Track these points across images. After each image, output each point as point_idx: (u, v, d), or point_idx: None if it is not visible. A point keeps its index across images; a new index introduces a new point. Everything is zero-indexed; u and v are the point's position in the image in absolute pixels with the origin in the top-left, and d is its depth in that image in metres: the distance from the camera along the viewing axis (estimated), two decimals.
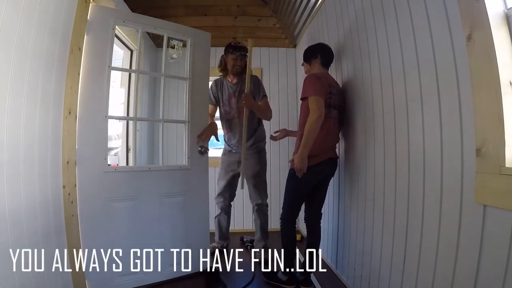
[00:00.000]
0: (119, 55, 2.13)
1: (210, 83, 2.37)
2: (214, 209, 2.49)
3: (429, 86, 1.17)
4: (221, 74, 2.39)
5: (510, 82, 0.87)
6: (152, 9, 3.11)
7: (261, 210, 2.46)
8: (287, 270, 1.87)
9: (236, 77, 2.36)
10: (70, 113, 1.58)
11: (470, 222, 0.97)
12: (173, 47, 2.16)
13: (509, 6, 0.90)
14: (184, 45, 2.14)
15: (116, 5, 2.20)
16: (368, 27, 1.65)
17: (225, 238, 2.54)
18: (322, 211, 1.97)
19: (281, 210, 1.90)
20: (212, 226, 2.43)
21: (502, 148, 0.86)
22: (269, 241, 2.47)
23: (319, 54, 1.91)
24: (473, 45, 0.94)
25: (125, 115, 2.50)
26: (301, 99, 1.80)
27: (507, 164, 0.85)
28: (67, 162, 1.56)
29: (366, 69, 1.68)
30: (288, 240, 1.88)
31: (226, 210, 2.49)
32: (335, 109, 1.81)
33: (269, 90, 3.25)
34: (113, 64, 1.88)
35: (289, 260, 1.87)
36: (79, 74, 1.64)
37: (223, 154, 2.50)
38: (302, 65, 2.05)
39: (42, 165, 1.39)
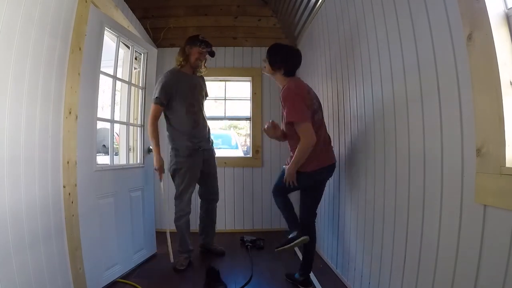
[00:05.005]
0: (111, 53, 2.15)
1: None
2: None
3: (429, 86, 1.17)
4: (181, 63, 2.23)
5: (510, 82, 0.87)
6: (152, 9, 3.12)
7: (215, 206, 2.50)
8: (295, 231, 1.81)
9: (192, 70, 2.28)
10: (70, 113, 1.58)
11: (470, 222, 0.97)
12: (136, 58, 2.44)
13: (509, 6, 0.90)
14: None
15: (116, 5, 2.20)
16: (368, 27, 1.65)
17: (190, 250, 2.29)
18: (319, 211, 1.96)
19: (272, 186, 1.92)
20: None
21: (502, 148, 0.85)
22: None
23: (282, 67, 1.78)
24: (474, 45, 0.94)
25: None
26: (288, 123, 1.70)
27: (508, 164, 0.84)
28: (67, 162, 1.56)
29: (366, 69, 1.68)
30: (282, 207, 1.88)
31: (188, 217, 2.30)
32: (319, 110, 1.80)
33: (269, 90, 3.26)
34: (108, 64, 1.95)
35: (293, 220, 1.85)
36: (79, 74, 1.64)
37: (188, 155, 2.20)
38: (264, 61, 1.85)
39: (43, 165, 1.39)
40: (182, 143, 2.21)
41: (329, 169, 1.83)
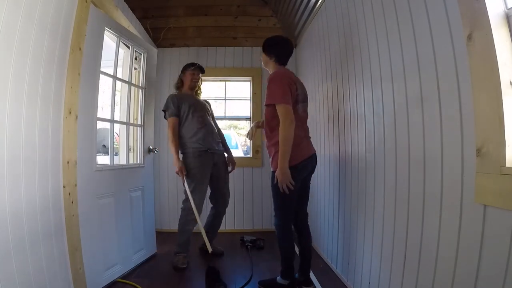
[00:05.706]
0: (111, 53, 2.14)
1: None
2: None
3: (429, 86, 1.17)
4: (179, 88, 2.48)
5: (510, 82, 0.87)
6: (152, 9, 3.12)
7: (223, 212, 2.52)
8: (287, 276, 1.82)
9: (191, 92, 2.47)
10: (70, 113, 1.58)
11: (470, 222, 0.97)
12: (136, 58, 2.47)
13: (509, 6, 0.90)
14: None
15: (116, 5, 2.20)
16: (368, 27, 1.65)
17: (188, 252, 2.33)
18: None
19: (273, 216, 1.80)
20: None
21: (502, 148, 0.85)
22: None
23: (273, 54, 1.85)
24: (474, 45, 0.94)
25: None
26: (266, 105, 1.72)
27: (508, 164, 0.84)
28: (67, 162, 1.56)
29: (366, 69, 1.68)
30: (287, 247, 1.78)
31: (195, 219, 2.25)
32: (302, 102, 1.82)
33: None
34: (108, 64, 1.96)
35: (289, 268, 1.80)
36: (79, 74, 1.64)
37: (199, 155, 2.27)
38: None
39: (42, 165, 1.39)
40: (190, 145, 2.30)
41: (314, 159, 1.83)
